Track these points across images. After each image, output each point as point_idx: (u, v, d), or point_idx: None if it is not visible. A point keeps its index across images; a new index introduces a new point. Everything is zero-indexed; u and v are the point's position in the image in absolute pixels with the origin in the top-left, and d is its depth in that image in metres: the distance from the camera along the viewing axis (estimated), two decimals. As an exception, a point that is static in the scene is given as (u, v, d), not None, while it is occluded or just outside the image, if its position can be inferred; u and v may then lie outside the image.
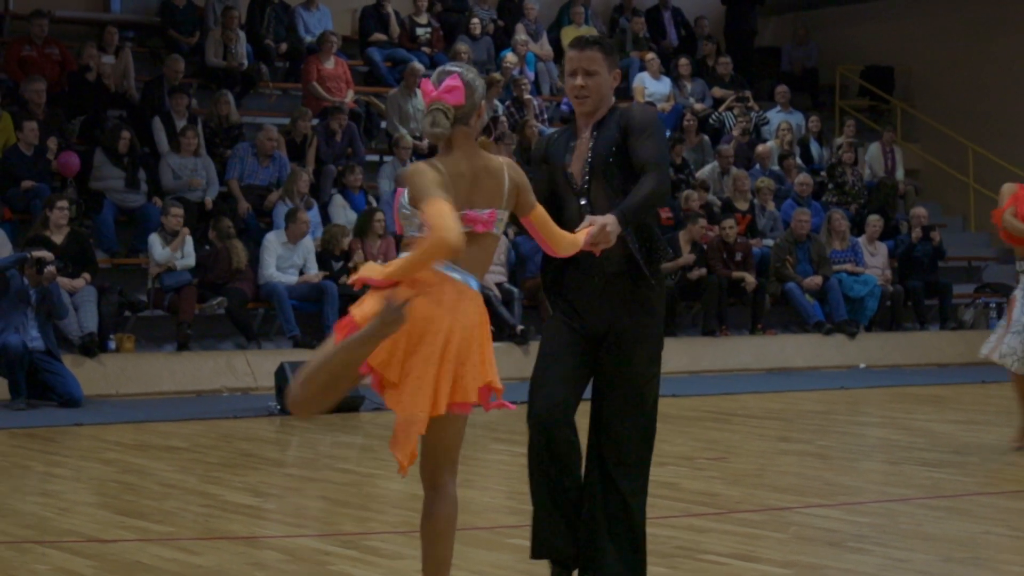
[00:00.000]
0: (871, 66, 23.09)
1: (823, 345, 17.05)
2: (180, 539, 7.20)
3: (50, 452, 10.42)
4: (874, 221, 18.34)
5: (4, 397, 12.47)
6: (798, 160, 19.80)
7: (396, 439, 4.87)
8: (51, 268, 12.58)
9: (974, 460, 9.78)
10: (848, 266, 17.77)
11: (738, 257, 17.02)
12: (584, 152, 5.67)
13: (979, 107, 21.75)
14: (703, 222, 16.92)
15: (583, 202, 5.62)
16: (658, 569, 6.47)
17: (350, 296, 14.83)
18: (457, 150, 5.02)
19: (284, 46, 18.61)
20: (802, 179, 18.81)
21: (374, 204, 16.11)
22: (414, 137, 17.18)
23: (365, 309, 4.82)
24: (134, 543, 7.07)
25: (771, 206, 18.44)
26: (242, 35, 17.91)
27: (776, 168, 19.46)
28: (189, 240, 14.49)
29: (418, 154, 17.00)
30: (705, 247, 16.92)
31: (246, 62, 17.80)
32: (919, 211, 18.75)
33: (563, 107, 19.79)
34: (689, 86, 20.68)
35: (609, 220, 5.33)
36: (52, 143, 15.12)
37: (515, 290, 15.72)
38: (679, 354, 16.32)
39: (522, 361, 14.93)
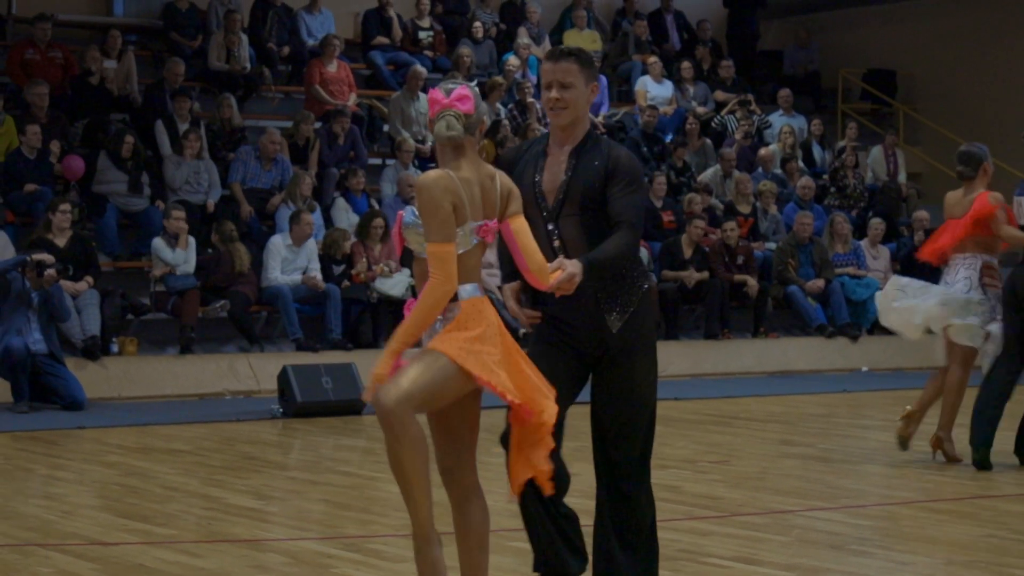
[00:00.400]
0: (873, 69, 23.10)
1: (825, 348, 17.05)
2: (183, 542, 7.20)
3: (53, 455, 10.43)
4: (876, 224, 18.34)
5: (7, 400, 12.48)
6: (800, 163, 19.80)
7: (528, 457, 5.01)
8: (51, 271, 12.58)
9: (976, 463, 9.78)
10: (850, 269, 17.76)
11: (740, 260, 17.02)
12: (559, 174, 5.52)
13: (981, 110, 21.74)
14: (701, 224, 16.92)
15: (551, 227, 5.50)
16: (661, 572, 6.47)
17: (352, 300, 14.86)
18: (464, 159, 5.01)
19: (286, 49, 18.62)
20: (804, 182, 18.80)
21: (376, 207, 16.12)
22: (416, 140, 17.19)
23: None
24: (137, 546, 7.08)
25: (773, 209, 18.44)
26: (245, 38, 17.92)
27: (778, 171, 19.46)
28: (191, 244, 14.50)
29: (420, 157, 17.02)
30: (707, 250, 16.92)
31: (249, 65, 17.81)
32: (921, 214, 18.74)
33: (565, 110, 19.78)
34: (691, 89, 20.68)
35: (577, 271, 5.19)
36: (55, 146, 15.14)
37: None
38: (681, 357, 16.33)
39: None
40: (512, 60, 19.24)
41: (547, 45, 20.48)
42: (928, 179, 22.11)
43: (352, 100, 17.86)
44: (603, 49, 21.01)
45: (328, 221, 16.01)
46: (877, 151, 20.67)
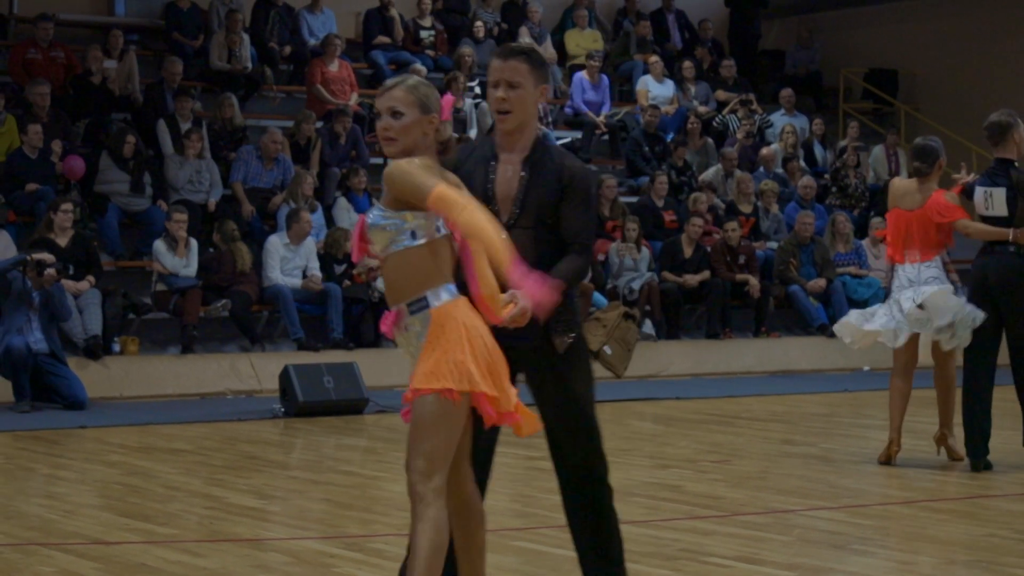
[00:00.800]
0: (875, 69, 23.11)
1: (827, 348, 17.03)
2: (184, 541, 7.20)
3: (54, 454, 10.43)
4: (877, 224, 18.32)
5: (8, 399, 12.48)
6: (802, 163, 19.81)
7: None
8: (51, 271, 12.58)
9: (978, 463, 9.78)
10: (852, 269, 17.76)
11: (741, 260, 17.03)
12: (513, 184, 5.24)
13: (983, 110, 21.49)
14: (700, 222, 16.93)
15: (503, 236, 5.02)
16: (662, 572, 6.49)
17: (353, 299, 14.86)
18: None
19: (288, 49, 18.63)
20: (806, 182, 18.81)
21: (378, 207, 16.11)
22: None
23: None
24: (139, 545, 7.08)
25: (775, 209, 18.44)
26: (246, 38, 17.93)
27: (780, 171, 19.47)
28: (194, 248, 14.50)
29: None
30: (709, 250, 16.93)
31: (250, 65, 17.82)
32: (922, 214, 18.70)
33: (567, 110, 19.81)
34: (693, 89, 20.68)
35: (529, 306, 4.86)
36: (56, 146, 15.15)
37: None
38: (683, 357, 16.35)
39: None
40: (513, 60, 19.20)
41: (548, 45, 20.50)
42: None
43: (354, 100, 17.87)
44: (604, 48, 21.02)
45: (330, 220, 16.01)
46: (879, 151, 20.68)
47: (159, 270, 14.35)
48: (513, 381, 5.16)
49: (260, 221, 15.73)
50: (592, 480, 5.54)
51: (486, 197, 5.18)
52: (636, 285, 16.41)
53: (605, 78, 20.03)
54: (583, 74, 19.81)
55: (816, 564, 6.75)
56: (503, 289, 4.90)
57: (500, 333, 5.02)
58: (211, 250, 14.85)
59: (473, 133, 17.64)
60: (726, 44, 22.62)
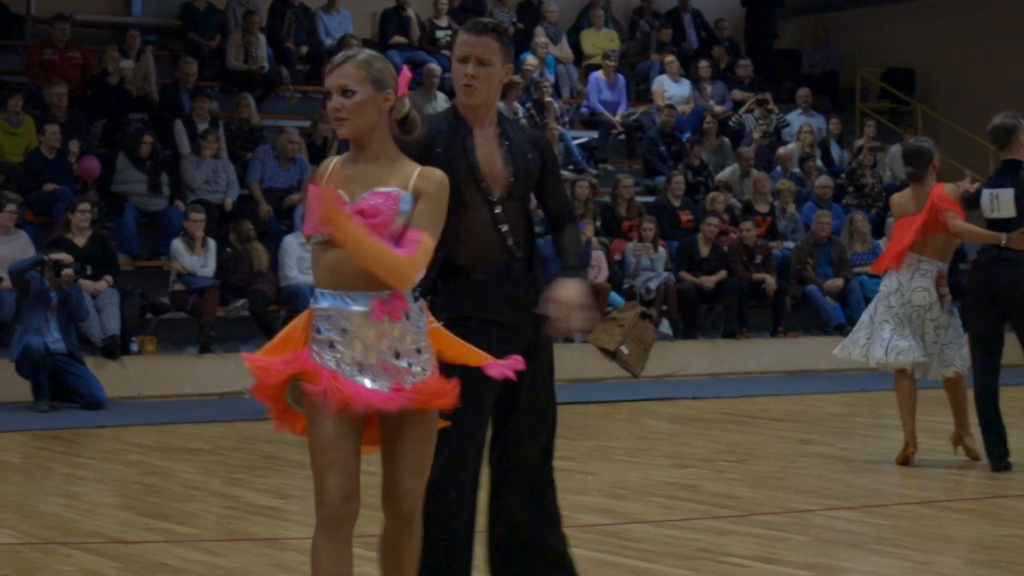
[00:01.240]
0: (892, 68, 23.06)
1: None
2: (203, 540, 7.22)
3: (73, 454, 10.47)
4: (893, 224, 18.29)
5: (27, 399, 12.52)
6: (819, 162, 19.79)
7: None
8: (69, 271, 12.63)
9: (996, 463, 9.76)
10: (869, 268, 17.72)
11: (758, 259, 17.01)
12: (495, 158, 5.15)
13: (1000, 109, 21.32)
14: (715, 222, 16.93)
15: (498, 211, 5.13)
16: (679, 571, 6.49)
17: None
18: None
19: (304, 49, 18.65)
20: (822, 181, 18.79)
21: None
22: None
23: None
24: (158, 544, 7.10)
25: (791, 208, 18.43)
26: (262, 38, 17.96)
27: (797, 170, 19.45)
28: (212, 247, 14.53)
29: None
30: (725, 249, 16.92)
31: (267, 65, 17.84)
32: (940, 213, 18.68)
33: (583, 110, 19.80)
34: (709, 88, 20.67)
35: (574, 294, 5.05)
36: (74, 146, 15.18)
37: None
38: (700, 356, 16.34)
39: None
40: (529, 59, 19.24)
41: (564, 45, 20.50)
42: (946, 178, 22.01)
43: (370, 99, 17.85)
44: (620, 48, 21.01)
45: (346, 220, 16.01)
46: (895, 150, 20.63)
47: (177, 270, 14.38)
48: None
49: (277, 221, 15.75)
50: (549, 473, 5.44)
51: (472, 173, 5.10)
52: (653, 285, 16.41)
53: (621, 78, 20.03)
54: (599, 74, 19.81)
55: (834, 564, 6.75)
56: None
57: (485, 309, 5.07)
58: (228, 250, 14.88)
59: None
60: (742, 43, 22.60)
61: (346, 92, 4.48)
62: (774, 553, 6.87)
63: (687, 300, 16.56)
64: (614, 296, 16.15)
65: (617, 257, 16.63)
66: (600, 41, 20.92)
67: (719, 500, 8.40)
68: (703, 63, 20.81)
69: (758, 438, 11.39)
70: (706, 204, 17.56)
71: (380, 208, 4.42)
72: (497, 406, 5.23)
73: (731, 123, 20.17)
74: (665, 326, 16.45)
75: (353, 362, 4.48)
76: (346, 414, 4.48)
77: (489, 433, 5.29)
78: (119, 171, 15.30)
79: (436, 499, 4.95)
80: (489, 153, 5.16)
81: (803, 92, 20.97)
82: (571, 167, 17.77)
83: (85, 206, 13.69)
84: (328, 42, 18.75)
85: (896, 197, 10.05)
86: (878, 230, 18.64)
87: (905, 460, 9.68)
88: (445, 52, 19.37)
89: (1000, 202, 9.39)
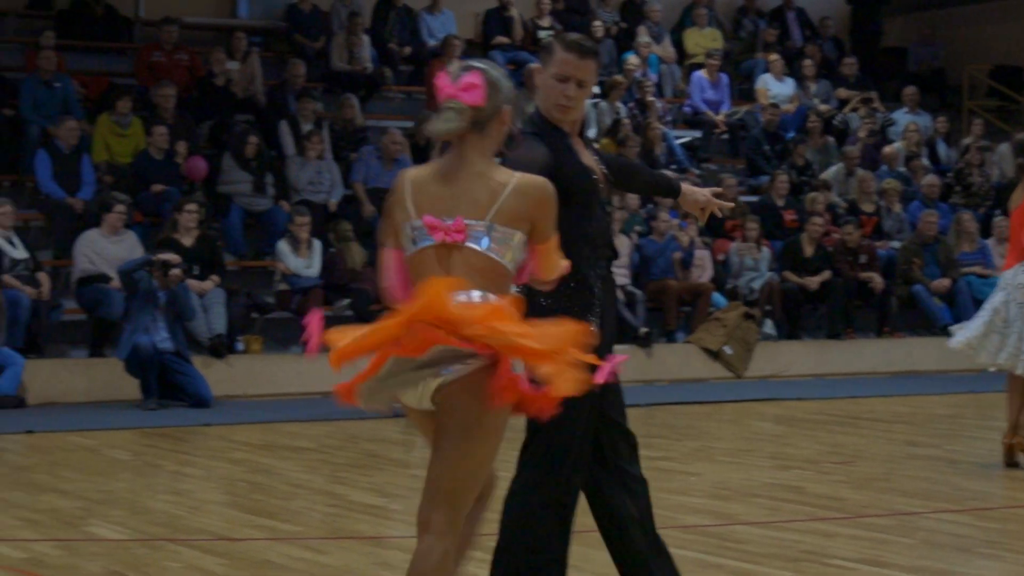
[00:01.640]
0: (1000, 65, 22.74)
1: (951, 348, 16.79)
2: (307, 538, 7.28)
3: (180, 451, 10.59)
4: (1002, 223, 18.05)
5: (136, 397, 12.69)
6: (925, 161, 19.57)
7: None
8: (176, 271, 12.79)
9: (1108, 466, 9.61)
10: (976, 268, 17.50)
11: (863, 259, 16.86)
12: (591, 161, 5.27)
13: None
14: (820, 221, 16.80)
15: (608, 208, 5.33)
16: (783, 573, 6.45)
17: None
18: (454, 152, 4.45)
19: (408, 49, 18.74)
20: (929, 180, 18.58)
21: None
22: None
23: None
24: (263, 542, 7.16)
25: (898, 208, 18.24)
26: (366, 39, 18.07)
27: (903, 169, 19.25)
28: (317, 248, 14.64)
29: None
30: (830, 249, 16.78)
31: (370, 66, 17.95)
32: (1050, 212, 18.40)
33: (685, 109, 19.73)
34: (813, 87, 20.51)
35: (702, 189, 5.73)
36: (181, 147, 15.36)
37: (638, 292, 15.70)
38: (804, 357, 16.22)
39: (645, 364, 14.91)
40: (632, 59, 19.20)
41: (667, 44, 20.43)
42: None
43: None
44: (724, 47, 20.91)
45: (450, 220, 16.06)
46: (1004, 148, 20.34)
47: (282, 270, 14.50)
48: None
49: (380, 221, 15.81)
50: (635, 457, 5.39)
51: (591, 176, 5.22)
52: (756, 285, 16.31)
53: (724, 77, 19.93)
54: (702, 73, 19.72)
55: (941, 567, 6.67)
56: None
57: (606, 339, 5.03)
58: (331, 250, 14.99)
59: (592, 132, 17.60)
60: (847, 41, 22.40)
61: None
62: (880, 556, 6.81)
63: (791, 300, 16.45)
64: (717, 297, 16.08)
65: (720, 257, 16.56)
66: (703, 40, 20.83)
67: (824, 502, 8.33)
68: (807, 61, 20.65)
69: (863, 439, 11.29)
70: (806, 204, 17.43)
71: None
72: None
73: (836, 122, 19.99)
74: (769, 326, 16.35)
75: None
76: None
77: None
78: (225, 172, 15.46)
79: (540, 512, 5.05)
80: (589, 158, 5.28)
81: (910, 90, 20.75)
82: (673, 167, 17.70)
83: (192, 206, 13.85)
84: (431, 43, 18.82)
85: (1013, 196, 9.86)
86: (985, 230, 18.39)
87: (1011, 453, 9.54)
88: (548, 52, 19.36)
89: None
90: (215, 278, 13.79)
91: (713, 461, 9.92)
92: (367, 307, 14.64)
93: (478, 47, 19.57)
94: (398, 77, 18.63)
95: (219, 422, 11.92)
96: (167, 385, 12.77)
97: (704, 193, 5.69)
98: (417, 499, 4.48)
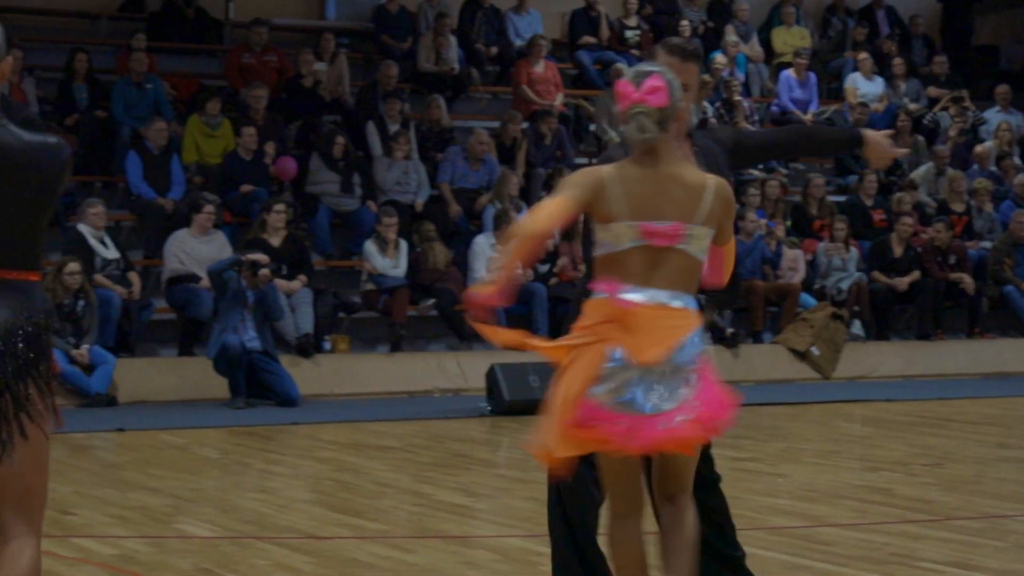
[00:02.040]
0: (1094, 63, 22.42)
1: (1043, 350, 16.64)
2: (394, 537, 7.31)
3: (268, 450, 10.67)
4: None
5: (225, 396, 12.80)
6: (1017, 160, 19.33)
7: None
8: (265, 271, 12.89)
9: None
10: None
11: (952, 260, 16.69)
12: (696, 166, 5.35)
13: None
14: (909, 221, 16.65)
15: None
16: (872, 576, 6.40)
17: (558, 298, 14.90)
18: (650, 155, 4.65)
19: (494, 50, 18.77)
20: (1021, 180, 18.35)
21: (583, 207, 16.13)
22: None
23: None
24: (350, 540, 7.20)
25: (988, 207, 18.03)
26: (453, 40, 18.11)
27: (994, 169, 19.03)
28: (403, 248, 14.70)
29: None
30: (919, 249, 16.63)
31: (457, 66, 17.99)
32: None
33: (773, 108, 19.61)
34: (903, 86, 20.32)
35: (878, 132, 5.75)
36: (270, 148, 15.48)
37: (725, 293, 15.62)
38: (893, 358, 16.09)
39: (731, 364, 14.84)
40: (719, 58, 19.11)
41: (755, 43, 20.31)
42: None
43: (559, 100, 17.93)
44: (812, 46, 20.76)
45: (535, 221, 16.05)
46: (1098, 147, 20.07)
47: (369, 270, 14.58)
48: None
49: (466, 221, 15.87)
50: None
51: None
52: (844, 285, 16.19)
53: (812, 75, 19.79)
54: (790, 72, 19.60)
55: (1032, 571, 6.59)
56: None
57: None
58: (417, 250, 15.04)
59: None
60: (938, 39, 22.17)
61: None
62: (969, 559, 6.74)
63: (880, 300, 16.31)
64: (805, 297, 15.98)
65: (808, 257, 16.44)
66: (791, 39, 20.69)
67: (912, 504, 8.26)
68: (897, 60, 20.45)
69: (953, 441, 11.18)
70: (892, 204, 17.28)
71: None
72: None
73: (925, 121, 19.80)
74: (857, 327, 16.23)
75: None
76: None
77: None
78: (312, 172, 15.56)
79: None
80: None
81: (1002, 89, 20.49)
82: (761, 166, 17.61)
83: (280, 207, 13.95)
84: (517, 43, 18.84)
85: None
86: (1079, 230, 18.13)
87: None
88: (634, 52, 19.33)
89: None
90: (303, 278, 13.89)
91: (800, 462, 9.86)
92: (452, 307, 14.71)
93: (564, 47, 19.57)
94: (484, 77, 18.65)
95: (306, 421, 12.00)
96: (255, 384, 12.88)
97: (888, 139, 5.71)
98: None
